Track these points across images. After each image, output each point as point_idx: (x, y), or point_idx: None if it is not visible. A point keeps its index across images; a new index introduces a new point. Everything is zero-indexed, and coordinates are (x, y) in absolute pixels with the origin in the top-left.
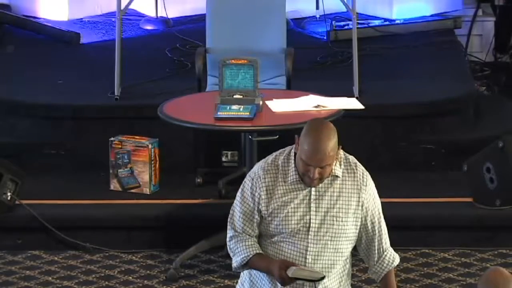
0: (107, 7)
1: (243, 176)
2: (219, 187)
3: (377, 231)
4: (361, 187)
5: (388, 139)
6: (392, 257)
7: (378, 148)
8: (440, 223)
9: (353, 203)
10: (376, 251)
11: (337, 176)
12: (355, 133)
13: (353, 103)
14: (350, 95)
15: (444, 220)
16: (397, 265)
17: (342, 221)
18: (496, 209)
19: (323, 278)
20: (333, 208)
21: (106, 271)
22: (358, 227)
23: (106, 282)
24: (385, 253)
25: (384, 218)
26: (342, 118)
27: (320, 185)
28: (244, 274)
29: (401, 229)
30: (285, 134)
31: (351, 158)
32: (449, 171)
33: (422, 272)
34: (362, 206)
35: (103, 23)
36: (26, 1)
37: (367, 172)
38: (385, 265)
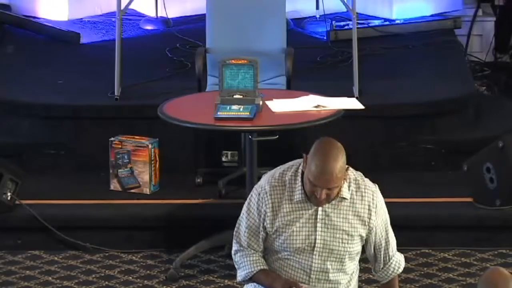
0: (107, 7)
1: (243, 176)
2: (219, 187)
3: (384, 243)
4: (370, 210)
5: (388, 139)
6: (398, 265)
7: (378, 148)
8: (440, 223)
9: (359, 226)
10: (382, 259)
11: (344, 198)
12: (355, 133)
13: (353, 103)
14: (350, 95)
15: (444, 220)
16: None
17: (348, 243)
18: (496, 209)
19: None
20: (339, 229)
21: (106, 271)
22: (362, 244)
23: (106, 282)
24: (391, 260)
25: None
26: (342, 118)
27: (327, 205)
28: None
29: (401, 229)
30: (285, 134)
31: (360, 178)
32: (449, 171)
33: (422, 272)
34: (370, 230)
35: (103, 23)
36: (26, 1)
37: (377, 188)
38: (390, 272)
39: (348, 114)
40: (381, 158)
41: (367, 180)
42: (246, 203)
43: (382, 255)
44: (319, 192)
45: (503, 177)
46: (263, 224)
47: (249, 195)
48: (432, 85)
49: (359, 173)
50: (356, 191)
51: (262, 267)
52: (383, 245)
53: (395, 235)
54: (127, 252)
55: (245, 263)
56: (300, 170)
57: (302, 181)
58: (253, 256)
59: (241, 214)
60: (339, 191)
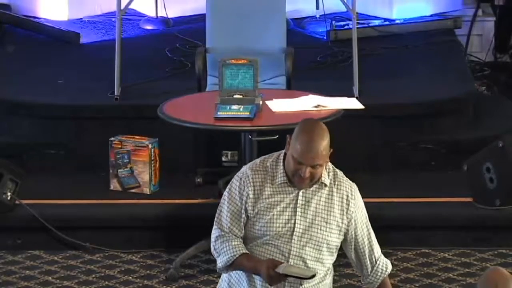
0: (107, 7)
1: None
2: (219, 187)
3: (367, 242)
4: (349, 201)
5: (388, 139)
6: (385, 265)
7: (378, 148)
8: (440, 223)
9: (338, 215)
10: (369, 262)
11: (325, 185)
12: (355, 133)
13: (353, 103)
14: (350, 95)
15: (444, 220)
16: (397, 265)
17: (326, 230)
18: (496, 209)
19: (314, 276)
20: (318, 216)
21: (106, 271)
22: (341, 239)
23: (106, 282)
24: (378, 262)
25: (384, 218)
26: (342, 118)
27: (308, 191)
28: (223, 280)
29: (401, 229)
30: (285, 134)
31: (339, 172)
32: (449, 171)
33: (422, 272)
34: (349, 220)
35: (103, 23)
36: (26, 1)
37: (355, 184)
38: (379, 274)
39: (348, 114)
40: (381, 158)
41: (345, 177)
42: (227, 189)
43: (368, 257)
44: (304, 170)
45: (503, 177)
46: (245, 207)
47: (230, 183)
48: (432, 85)
49: (340, 171)
50: (334, 181)
51: (243, 251)
52: (367, 243)
53: (395, 235)
54: (127, 252)
55: (226, 248)
56: (281, 156)
57: (284, 165)
58: (234, 241)
59: (222, 200)
60: (321, 174)
